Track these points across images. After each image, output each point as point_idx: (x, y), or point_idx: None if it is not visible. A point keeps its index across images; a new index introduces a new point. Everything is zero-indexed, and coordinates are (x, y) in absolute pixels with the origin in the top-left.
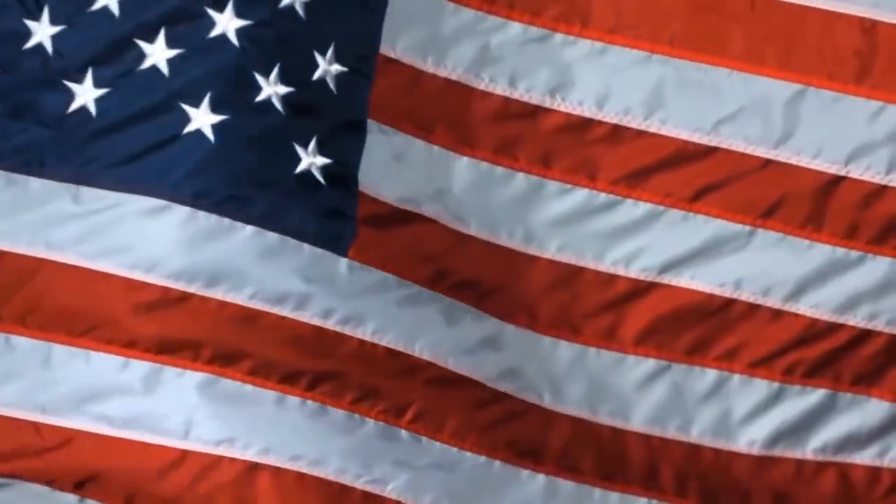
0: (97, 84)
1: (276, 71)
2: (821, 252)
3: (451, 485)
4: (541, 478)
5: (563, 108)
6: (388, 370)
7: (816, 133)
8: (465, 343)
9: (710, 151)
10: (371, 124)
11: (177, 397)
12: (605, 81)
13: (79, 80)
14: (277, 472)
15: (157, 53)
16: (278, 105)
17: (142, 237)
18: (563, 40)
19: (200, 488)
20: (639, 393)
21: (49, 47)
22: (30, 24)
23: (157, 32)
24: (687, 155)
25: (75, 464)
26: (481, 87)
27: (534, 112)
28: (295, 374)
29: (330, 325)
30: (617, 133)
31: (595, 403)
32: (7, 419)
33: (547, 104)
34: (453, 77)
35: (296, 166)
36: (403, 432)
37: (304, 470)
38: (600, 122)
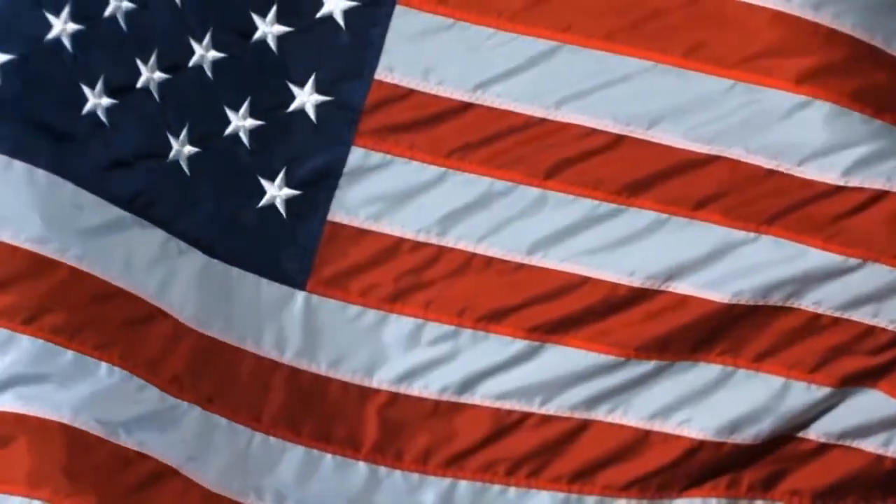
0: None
1: (245, 104)
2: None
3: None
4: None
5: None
6: None
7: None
8: None
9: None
10: (358, 151)
11: None
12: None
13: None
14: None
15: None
16: (244, 138)
17: None
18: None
19: None
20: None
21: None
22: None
23: (151, 55)
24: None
25: None
26: None
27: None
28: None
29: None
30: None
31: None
32: None
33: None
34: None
35: (258, 200)
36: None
37: None
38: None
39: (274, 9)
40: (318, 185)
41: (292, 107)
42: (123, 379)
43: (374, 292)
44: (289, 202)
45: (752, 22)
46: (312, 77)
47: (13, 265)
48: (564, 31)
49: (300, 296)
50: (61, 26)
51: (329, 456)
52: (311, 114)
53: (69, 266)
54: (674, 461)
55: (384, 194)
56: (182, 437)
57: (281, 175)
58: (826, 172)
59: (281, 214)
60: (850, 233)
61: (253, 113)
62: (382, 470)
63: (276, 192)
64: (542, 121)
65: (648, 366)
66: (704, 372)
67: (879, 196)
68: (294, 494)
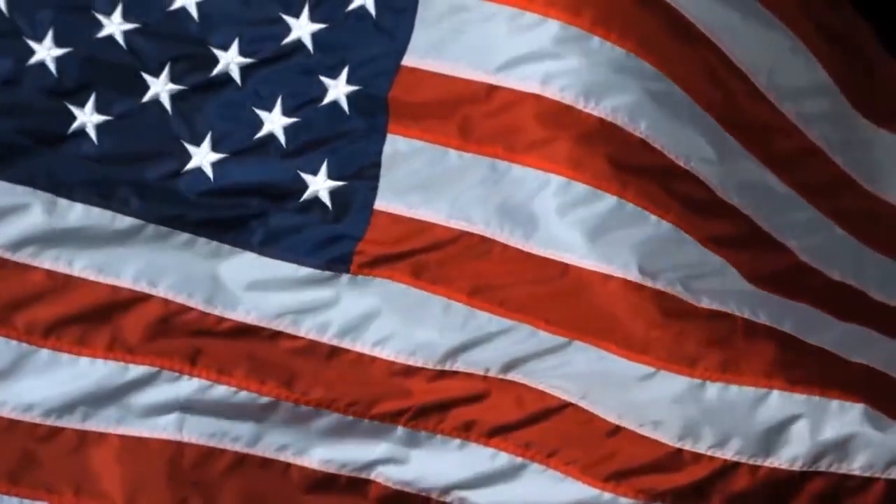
0: (99, 111)
1: (278, 104)
2: None
3: None
4: None
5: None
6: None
7: None
8: None
9: None
10: (393, 138)
11: None
12: None
13: (82, 104)
14: None
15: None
16: (281, 137)
17: None
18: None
19: None
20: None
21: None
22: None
23: (163, 68)
24: None
25: None
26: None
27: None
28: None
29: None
30: None
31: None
32: None
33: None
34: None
35: (301, 195)
36: None
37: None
38: None
39: (306, 8)
40: (360, 175)
41: (326, 100)
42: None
43: (423, 274)
44: (333, 194)
45: None
46: (346, 69)
47: None
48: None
49: (345, 278)
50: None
51: None
52: (345, 105)
53: None
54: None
55: (420, 180)
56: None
57: (324, 167)
58: None
59: (327, 206)
60: None
61: (286, 111)
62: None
63: (320, 185)
64: (569, 108)
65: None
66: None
67: None
68: None
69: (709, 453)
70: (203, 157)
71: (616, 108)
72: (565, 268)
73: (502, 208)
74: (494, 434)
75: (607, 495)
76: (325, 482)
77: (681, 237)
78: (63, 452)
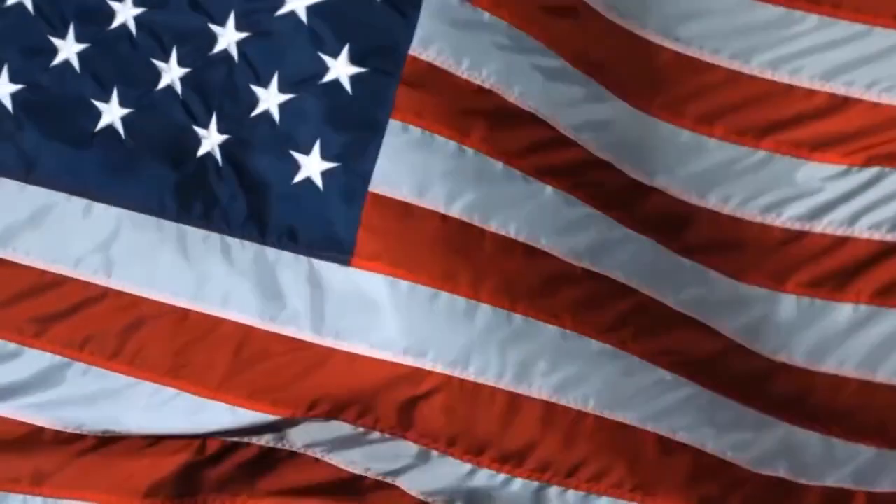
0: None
1: (274, 80)
2: None
3: None
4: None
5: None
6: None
7: None
8: None
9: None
10: (396, 124)
11: None
12: None
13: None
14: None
15: (172, 72)
16: (275, 114)
17: None
18: None
19: None
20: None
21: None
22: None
23: (169, 51)
24: None
25: None
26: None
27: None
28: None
29: None
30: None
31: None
32: None
33: None
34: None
35: (295, 174)
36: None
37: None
38: None
39: None
40: (356, 157)
41: (326, 78)
42: None
43: (424, 270)
44: (325, 175)
45: None
46: (346, 48)
47: None
48: None
49: (345, 270)
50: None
51: None
52: (347, 85)
53: None
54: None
55: (422, 169)
56: None
57: (316, 148)
58: None
59: (318, 187)
60: None
61: (282, 87)
62: None
63: (314, 165)
64: None
65: None
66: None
67: None
68: None
69: None
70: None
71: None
72: None
73: None
74: None
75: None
76: None
77: None
78: None
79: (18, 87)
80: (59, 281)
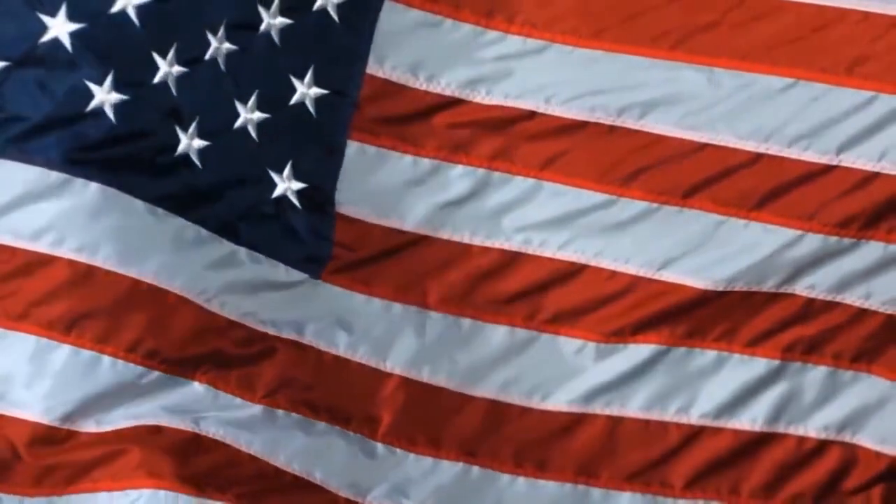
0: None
1: (253, 98)
2: (813, 240)
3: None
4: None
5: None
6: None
7: (806, 124)
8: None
9: (701, 148)
10: (354, 145)
11: None
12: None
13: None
14: None
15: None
16: (252, 132)
17: None
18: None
19: None
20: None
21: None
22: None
23: (169, 48)
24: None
25: None
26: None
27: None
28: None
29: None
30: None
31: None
32: None
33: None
34: (447, 93)
35: (272, 191)
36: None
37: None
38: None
39: (276, 1)
40: (323, 177)
41: (293, 100)
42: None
43: (385, 284)
44: (300, 193)
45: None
46: (311, 70)
47: None
48: (563, 33)
49: (316, 283)
50: None
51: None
52: (311, 107)
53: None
54: (672, 449)
55: (383, 188)
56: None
57: (288, 167)
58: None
59: (295, 205)
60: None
61: (260, 106)
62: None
63: (287, 184)
64: (533, 114)
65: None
66: (700, 359)
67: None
68: None
69: None
70: (189, 142)
71: None
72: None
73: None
74: None
75: None
76: None
77: None
78: None
79: None
80: None
